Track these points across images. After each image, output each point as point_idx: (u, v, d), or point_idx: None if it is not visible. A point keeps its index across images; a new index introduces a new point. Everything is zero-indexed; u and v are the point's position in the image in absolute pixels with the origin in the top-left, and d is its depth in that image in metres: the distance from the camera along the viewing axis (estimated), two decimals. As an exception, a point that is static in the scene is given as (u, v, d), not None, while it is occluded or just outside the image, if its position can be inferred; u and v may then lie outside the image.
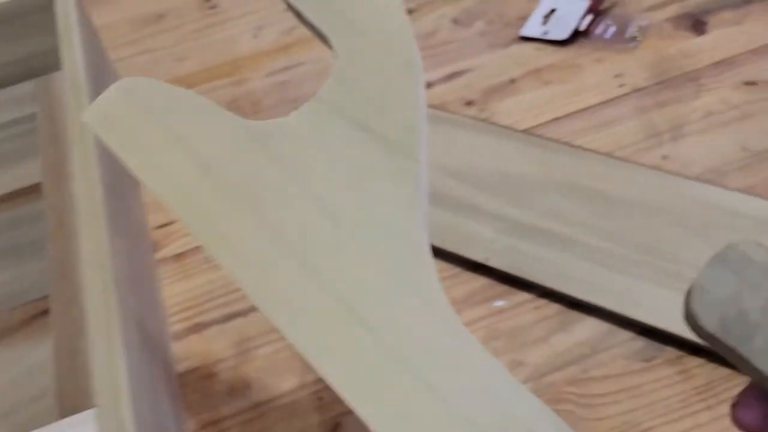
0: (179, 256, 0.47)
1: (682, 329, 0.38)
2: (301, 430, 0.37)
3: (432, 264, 0.21)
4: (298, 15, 0.25)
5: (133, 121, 0.23)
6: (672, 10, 0.57)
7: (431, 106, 0.53)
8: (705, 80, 0.52)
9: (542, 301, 0.41)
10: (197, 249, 0.47)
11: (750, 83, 0.51)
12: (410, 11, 0.61)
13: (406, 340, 0.20)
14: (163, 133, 0.23)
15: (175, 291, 0.45)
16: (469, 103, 0.53)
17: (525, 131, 0.50)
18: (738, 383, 0.36)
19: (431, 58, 0.57)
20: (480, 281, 0.42)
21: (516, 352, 0.39)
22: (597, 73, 0.54)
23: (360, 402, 0.19)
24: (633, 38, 0.55)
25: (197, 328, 0.43)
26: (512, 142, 0.48)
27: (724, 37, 0.54)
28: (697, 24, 0.56)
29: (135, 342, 0.33)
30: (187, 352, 0.42)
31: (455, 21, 0.60)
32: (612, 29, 0.56)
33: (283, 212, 0.21)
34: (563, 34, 0.56)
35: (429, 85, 0.55)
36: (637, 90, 0.52)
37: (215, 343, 0.42)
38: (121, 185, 0.44)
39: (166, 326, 0.43)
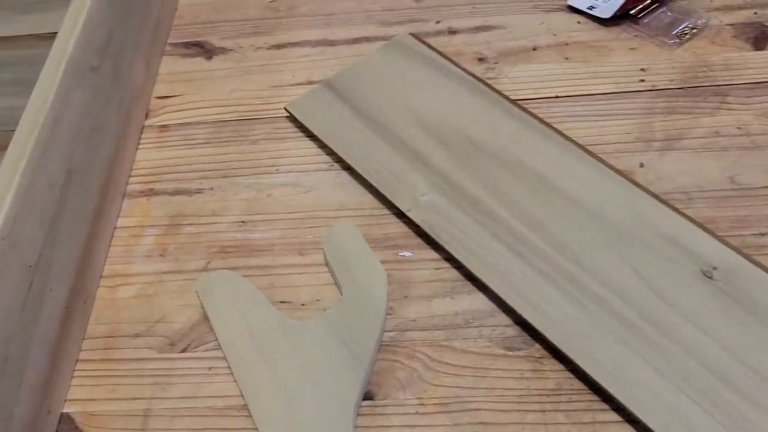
0: (163, 128, 0.51)
1: (553, 333, 0.37)
2: (184, 306, 0.42)
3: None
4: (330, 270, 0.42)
5: (220, 297, 0.41)
6: (741, 15, 0.52)
7: (446, 53, 0.52)
8: (732, 99, 0.47)
9: (445, 264, 0.42)
10: (181, 125, 0.51)
11: (778, 114, 0.46)
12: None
13: None
14: (236, 310, 0.40)
15: (146, 156, 0.49)
16: (482, 60, 0.52)
17: (516, 101, 0.48)
18: (587, 400, 0.36)
19: (471, 5, 0.56)
20: (400, 228, 0.43)
21: (396, 301, 0.40)
22: (623, 63, 0.50)
23: None
24: (682, 35, 0.51)
25: (149, 192, 0.47)
26: (493, 108, 0.47)
27: (780, 59, 0.49)
28: (760, 37, 0.51)
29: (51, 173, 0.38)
30: (130, 210, 0.46)
31: (515, -26, 0.58)
32: (665, 20, 0.52)
33: (287, 372, 0.37)
34: (607, 13, 0.52)
35: (454, 32, 0.55)
36: (655, 90, 0.49)
37: (156, 211, 0.46)
38: (123, 52, 0.49)
39: (123, 185, 0.48)
